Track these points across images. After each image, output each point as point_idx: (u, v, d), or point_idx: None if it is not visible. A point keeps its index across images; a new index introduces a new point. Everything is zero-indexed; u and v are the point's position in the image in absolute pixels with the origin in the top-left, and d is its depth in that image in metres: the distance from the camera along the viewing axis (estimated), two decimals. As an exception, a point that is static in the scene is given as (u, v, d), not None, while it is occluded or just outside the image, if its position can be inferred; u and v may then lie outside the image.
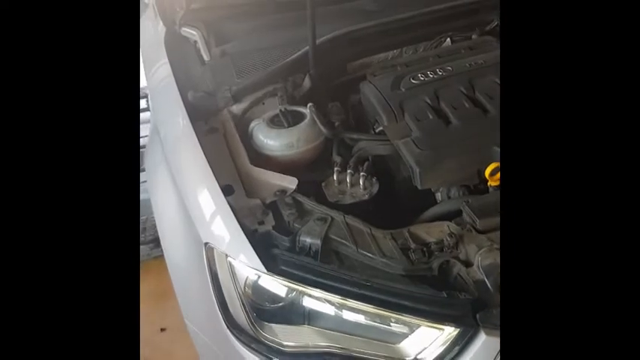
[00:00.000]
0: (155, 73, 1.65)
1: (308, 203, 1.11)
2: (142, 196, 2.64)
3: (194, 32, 1.63)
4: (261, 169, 1.19)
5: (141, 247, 2.35)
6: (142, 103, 3.69)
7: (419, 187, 1.15)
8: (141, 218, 2.42)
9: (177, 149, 1.33)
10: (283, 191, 1.14)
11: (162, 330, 2.04)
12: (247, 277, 1.05)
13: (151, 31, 1.81)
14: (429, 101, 1.28)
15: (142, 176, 2.80)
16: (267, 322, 1.05)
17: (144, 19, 1.98)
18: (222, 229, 1.09)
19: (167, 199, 1.35)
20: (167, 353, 2.02)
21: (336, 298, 0.98)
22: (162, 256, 2.33)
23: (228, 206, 1.09)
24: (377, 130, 1.31)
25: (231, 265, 1.07)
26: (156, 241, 2.34)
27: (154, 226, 2.34)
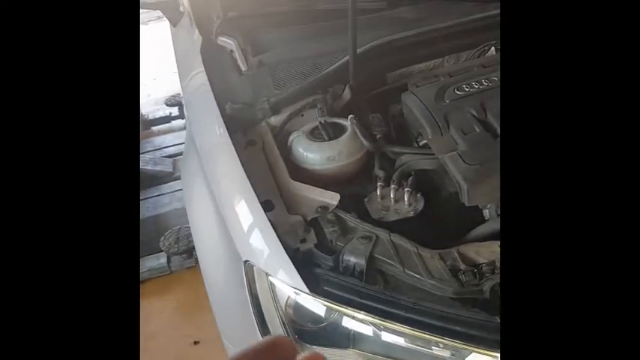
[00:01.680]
0: (191, 82, 1.63)
1: (351, 220, 1.07)
2: (175, 205, 2.67)
3: (231, 41, 1.61)
4: (302, 184, 1.15)
5: (173, 257, 2.34)
6: (175, 111, 3.74)
7: (466, 204, 1.10)
8: (174, 228, 2.41)
9: (215, 161, 1.31)
10: (325, 207, 1.10)
11: (195, 343, 2.01)
12: (288, 297, 1.02)
13: (187, 39, 1.80)
14: (475, 113, 1.22)
15: (175, 185, 2.84)
16: (309, 344, 1.02)
17: (179, 27, 1.97)
18: (262, 246, 1.06)
19: (204, 212, 1.33)
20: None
21: (382, 322, 0.94)
22: (194, 266, 2.35)
23: (268, 223, 1.05)
24: (421, 144, 1.27)
25: (271, 284, 1.04)
26: (189, 252, 2.33)
27: (188, 237, 2.34)
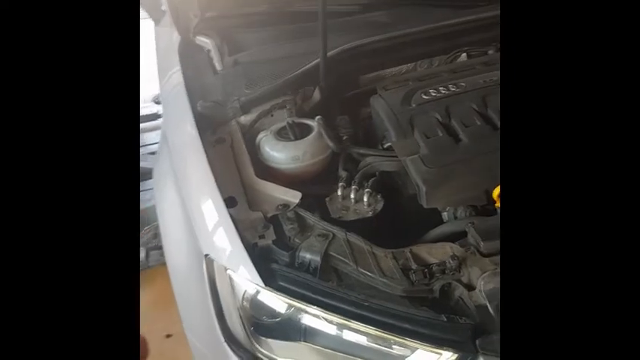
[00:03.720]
0: (168, 81, 1.65)
1: (310, 218, 1.09)
2: (154, 202, 2.68)
3: (208, 41, 1.63)
4: (266, 182, 1.18)
5: (151, 252, 2.35)
6: (162, 109, 3.75)
7: (424, 206, 1.13)
8: (153, 223, 2.42)
9: (184, 158, 1.33)
10: (286, 205, 1.12)
11: (167, 336, 2.03)
12: (246, 291, 1.04)
13: (166, 39, 1.82)
14: (439, 118, 1.26)
15: (148, 183, 2.84)
16: (264, 336, 1.04)
17: (160, 27, 1.99)
18: (222, 241, 1.08)
19: (171, 208, 1.35)
20: (172, 359, 2.02)
21: (333, 317, 0.96)
22: (171, 262, 2.37)
23: (229, 218, 1.08)
24: (385, 146, 1.30)
25: (230, 278, 1.06)
26: (152, 249, 2.35)
27: (154, 236, 2.36)
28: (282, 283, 0.99)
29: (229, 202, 1.12)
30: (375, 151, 1.28)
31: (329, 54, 1.38)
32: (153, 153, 3.19)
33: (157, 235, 2.38)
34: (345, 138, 1.31)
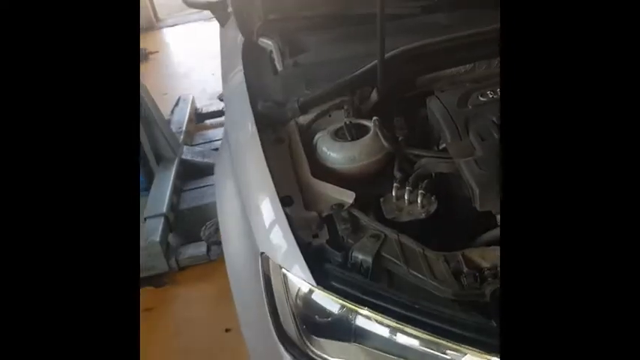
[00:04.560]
0: (230, 81, 1.71)
1: (363, 219, 1.11)
2: (208, 201, 2.76)
3: (270, 42, 1.68)
4: (321, 182, 1.20)
5: (213, 247, 2.44)
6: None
7: (478, 209, 1.12)
8: (214, 219, 2.51)
9: (243, 157, 1.38)
10: (340, 205, 1.14)
11: (227, 330, 2.10)
12: (299, 290, 1.07)
13: (231, 40, 1.88)
14: (495, 120, 1.24)
15: (212, 179, 2.93)
16: (315, 336, 1.07)
17: (226, 28, 2.06)
18: (278, 239, 1.12)
19: (230, 205, 1.40)
20: (234, 354, 2.08)
21: (384, 319, 0.98)
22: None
23: (285, 217, 1.11)
24: (440, 147, 1.29)
25: (284, 276, 1.09)
26: (214, 244, 2.42)
27: (216, 230, 2.44)
28: (334, 283, 1.01)
29: (285, 201, 1.15)
30: (430, 152, 1.28)
31: (387, 56, 1.38)
32: (216, 149, 3.30)
33: (218, 230, 2.47)
34: (401, 139, 1.32)
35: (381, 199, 1.19)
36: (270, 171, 1.22)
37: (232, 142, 1.48)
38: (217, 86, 4.56)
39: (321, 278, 1.02)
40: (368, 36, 1.57)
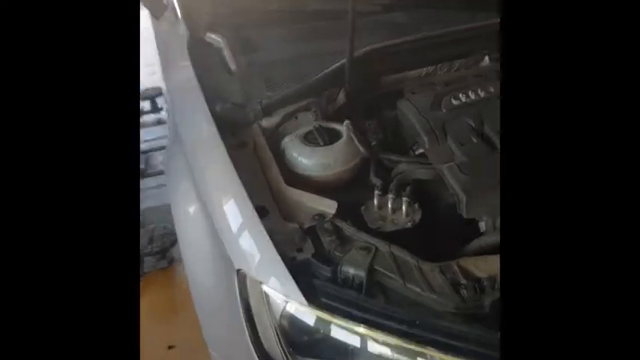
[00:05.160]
0: (176, 80, 1.58)
1: (349, 230, 1.04)
2: (148, 204, 2.58)
3: (219, 39, 1.56)
4: (298, 190, 1.12)
5: (146, 258, 2.27)
6: (147, 105, 3.64)
7: (464, 216, 1.09)
8: (149, 227, 2.34)
9: (204, 162, 1.26)
10: (322, 216, 1.07)
11: (170, 347, 1.94)
12: (284, 309, 0.98)
13: (171, 34, 1.74)
14: (472, 124, 1.21)
15: (148, 182, 2.75)
16: (304, 357, 0.98)
17: (161, 21, 1.90)
18: (256, 254, 1.02)
19: (191, 215, 1.27)
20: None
21: (381, 336, 0.91)
22: (168, 268, 2.28)
23: (263, 230, 1.01)
24: (417, 152, 1.25)
25: (265, 295, 1.00)
26: (162, 252, 2.27)
27: (162, 237, 2.28)
28: (325, 300, 0.93)
29: (261, 212, 1.06)
30: (408, 157, 1.23)
31: (355, 53, 1.32)
32: (142, 152, 3.08)
33: (152, 240, 2.30)
34: (374, 143, 1.26)
35: (362, 208, 1.12)
36: (240, 179, 1.11)
37: (188, 145, 1.35)
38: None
39: (311, 296, 0.93)
40: (323, 33, 1.52)
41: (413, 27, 1.54)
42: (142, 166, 2.93)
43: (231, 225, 1.09)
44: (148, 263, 2.26)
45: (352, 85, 1.35)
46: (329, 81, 1.36)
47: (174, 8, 1.76)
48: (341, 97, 1.36)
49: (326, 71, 1.35)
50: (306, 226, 1.05)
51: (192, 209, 1.25)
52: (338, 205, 1.08)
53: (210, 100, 1.33)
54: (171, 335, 1.97)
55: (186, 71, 1.50)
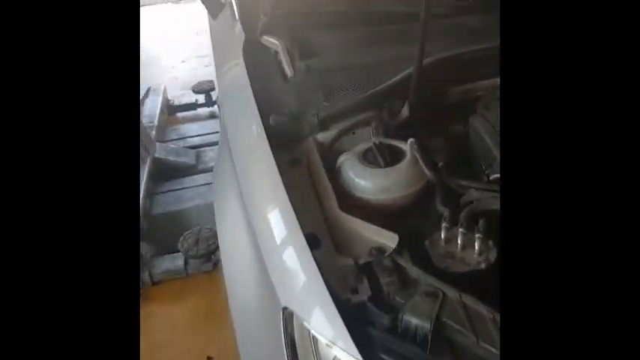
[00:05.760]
0: (229, 84, 1.49)
1: (412, 270, 0.91)
2: (197, 202, 2.52)
3: (276, 42, 1.45)
4: (353, 218, 1.00)
5: (191, 260, 2.20)
6: (201, 98, 3.59)
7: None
8: (194, 228, 2.27)
9: (254, 180, 1.16)
10: (381, 250, 0.95)
11: (209, 359, 1.87)
12: (334, 357, 0.87)
13: (227, 34, 1.65)
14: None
15: (198, 179, 2.69)
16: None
17: (218, 21, 1.82)
18: (306, 293, 0.91)
19: (237, 233, 1.18)
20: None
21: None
22: (212, 271, 2.21)
23: (314, 264, 0.91)
24: (491, 177, 1.11)
25: (314, 339, 0.89)
26: (207, 256, 2.19)
27: (208, 239, 2.21)
28: (383, 357, 0.81)
29: (312, 242, 0.95)
30: (481, 183, 1.09)
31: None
32: (193, 147, 3.03)
33: (198, 242, 2.23)
34: (441, 164, 1.13)
35: (427, 242, 0.99)
36: (291, 202, 1.00)
37: (237, 158, 1.26)
38: (189, 76, 4.30)
39: (367, 349, 0.82)
40: (390, 38, 1.39)
41: (488, 32, 1.38)
42: (192, 161, 2.87)
43: (279, 255, 0.99)
44: (192, 265, 2.20)
45: (418, 97, 1.21)
46: (392, 92, 1.23)
47: (231, 8, 1.67)
48: (405, 110, 1.22)
49: (389, 82, 1.23)
50: (362, 261, 0.93)
51: (237, 230, 1.15)
52: (400, 239, 0.96)
53: (263, 110, 1.23)
54: (210, 345, 1.90)
55: (239, 76, 1.40)
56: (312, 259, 0.91)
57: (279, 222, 1.01)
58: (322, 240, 0.96)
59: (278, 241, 1.00)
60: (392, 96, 1.24)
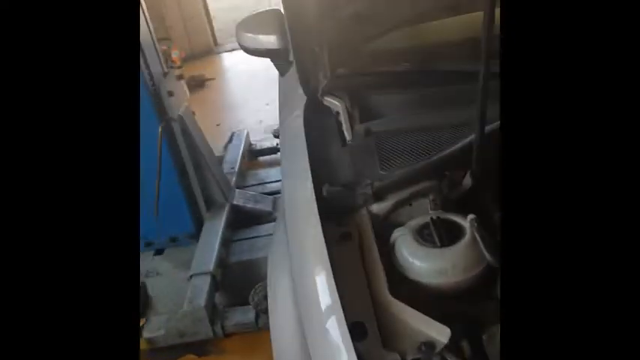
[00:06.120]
0: (289, 145, 1.47)
1: None
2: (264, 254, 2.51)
3: (337, 103, 1.43)
4: (404, 306, 0.93)
5: (261, 315, 2.18)
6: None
7: None
8: (263, 282, 2.26)
9: (301, 253, 1.12)
10: (431, 345, 0.87)
11: None
12: None
13: (292, 93, 1.64)
14: None
15: (269, 228, 2.68)
16: None
17: (287, 77, 1.83)
18: (346, 391, 0.85)
19: (285, 309, 1.15)
20: None
21: None
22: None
23: (356, 358, 0.85)
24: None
25: None
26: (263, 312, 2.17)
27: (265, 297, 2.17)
28: None
29: (357, 332, 0.89)
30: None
31: (486, 129, 1.10)
32: (271, 193, 3.05)
33: (267, 297, 2.21)
34: (504, 244, 1.03)
35: (484, 337, 0.90)
36: (337, 283, 0.95)
37: (289, 225, 1.23)
38: (272, 118, 4.39)
39: None
40: (454, 100, 1.30)
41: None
42: (269, 208, 2.89)
43: (321, 341, 0.93)
44: (262, 319, 2.18)
45: (482, 166, 1.13)
46: (454, 160, 1.15)
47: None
48: (467, 181, 1.14)
49: (450, 149, 1.15)
50: (410, 358, 0.85)
51: (285, 304, 1.12)
52: (453, 329, 0.88)
53: (318, 177, 1.19)
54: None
55: (298, 137, 1.38)
56: (354, 353, 0.85)
57: (322, 306, 0.96)
58: (368, 328, 0.90)
59: (320, 326, 0.95)
60: (453, 164, 1.16)
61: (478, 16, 0.95)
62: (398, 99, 1.41)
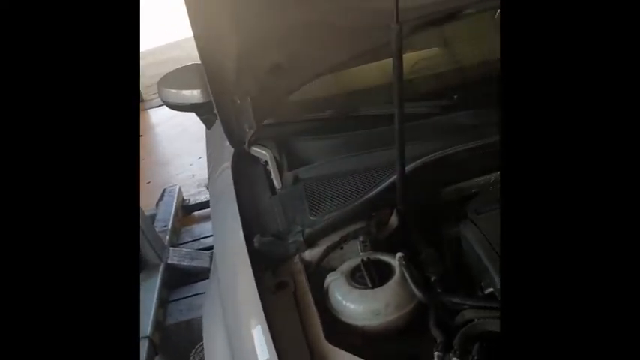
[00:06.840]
0: (216, 197, 1.47)
1: None
2: (197, 314, 2.44)
3: (264, 152, 1.44)
4: (341, 351, 0.93)
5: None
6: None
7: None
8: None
9: (236, 309, 1.11)
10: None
11: None
12: None
13: (219, 146, 1.64)
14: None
15: (202, 286, 2.62)
16: None
17: (213, 131, 1.83)
18: None
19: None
20: None
21: None
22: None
23: None
24: (487, 292, 1.03)
25: None
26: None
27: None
28: None
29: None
30: (475, 300, 1.02)
31: (407, 168, 1.14)
32: (207, 248, 2.99)
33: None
34: (433, 279, 1.06)
35: (426, 375, 0.91)
36: (273, 337, 0.94)
37: (222, 283, 1.21)
38: (205, 172, 4.34)
39: None
40: (380, 142, 1.35)
41: (477, 129, 1.34)
42: (206, 264, 2.83)
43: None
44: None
45: (406, 204, 1.16)
46: (380, 200, 1.18)
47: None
48: (393, 220, 1.17)
49: (374, 191, 1.19)
50: None
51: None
52: None
53: (248, 229, 1.19)
54: None
55: (227, 190, 1.38)
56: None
57: (258, 355, 0.95)
58: (307, 378, 0.90)
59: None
60: (380, 204, 1.19)
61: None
62: (324, 144, 1.44)
